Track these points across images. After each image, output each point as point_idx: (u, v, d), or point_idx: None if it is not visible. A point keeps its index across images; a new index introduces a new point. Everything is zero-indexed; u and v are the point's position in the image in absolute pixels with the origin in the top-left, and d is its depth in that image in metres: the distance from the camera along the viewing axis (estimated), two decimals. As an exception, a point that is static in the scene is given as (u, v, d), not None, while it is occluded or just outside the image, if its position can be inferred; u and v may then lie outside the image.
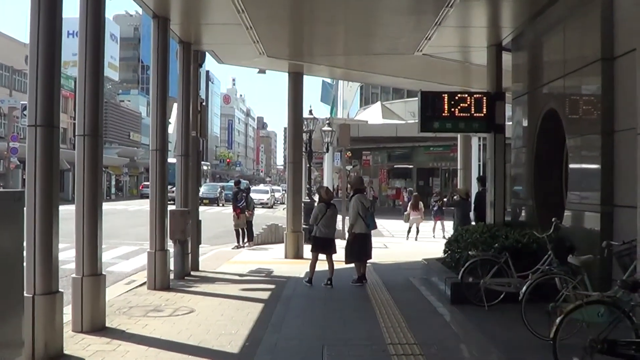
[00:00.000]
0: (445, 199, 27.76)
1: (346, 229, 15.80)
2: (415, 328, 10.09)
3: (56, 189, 8.45)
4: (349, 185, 18.31)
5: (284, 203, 56.36)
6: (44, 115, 8.31)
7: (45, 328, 8.17)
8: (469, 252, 12.27)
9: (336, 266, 14.70)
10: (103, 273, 9.94)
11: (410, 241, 26.42)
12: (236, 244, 22.87)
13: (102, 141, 9.96)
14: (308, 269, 14.73)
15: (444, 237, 25.25)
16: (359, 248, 14.74)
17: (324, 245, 14.55)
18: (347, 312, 11.54)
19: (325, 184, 37.03)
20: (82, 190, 9.68)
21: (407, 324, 10.32)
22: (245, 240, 23.21)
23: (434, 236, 26.80)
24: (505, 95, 15.17)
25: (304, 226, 20.16)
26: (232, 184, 26.79)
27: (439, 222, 27.83)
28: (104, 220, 10.23)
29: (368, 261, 15.22)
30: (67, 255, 17.56)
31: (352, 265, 15.00)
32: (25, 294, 7.32)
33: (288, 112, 20.10)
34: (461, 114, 14.65)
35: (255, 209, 25.75)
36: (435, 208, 28.20)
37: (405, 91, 54.63)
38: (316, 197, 24.15)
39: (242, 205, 23.39)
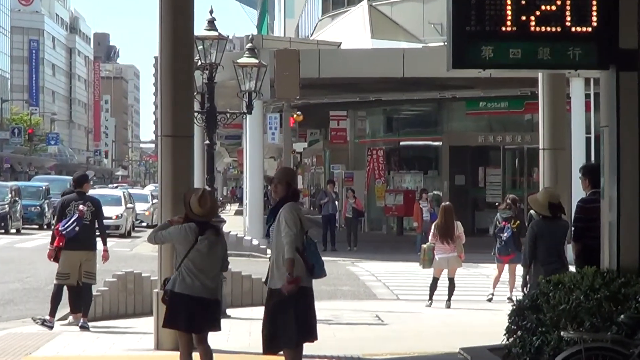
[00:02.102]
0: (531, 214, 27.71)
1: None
2: None
3: None
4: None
5: (153, 225, 56.38)
6: None
7: None
8: (563, 334, 12.32)
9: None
10: None
11: (435, 308, 26.51)
12: (47, 316, 22.74)
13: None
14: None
15: (509, 299, 25.30)
16: (289, 318, 15.14)
17: (190, 314, 14.97)
18: None
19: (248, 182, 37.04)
20: None
21: None
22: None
23: (510, 298, 26.79)
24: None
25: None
26: (42, 187, 26.55)
27: (510, 267, 27.93)
28: None
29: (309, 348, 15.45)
30: None
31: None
32: None
33: (160, 25, 20.00)
34: (544, 28, 14.71)
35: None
36: (507, 235, 28.18)
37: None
38: (230, 208, 24.07)
39: (71, 228, 23.21)
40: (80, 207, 22.89)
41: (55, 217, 23.85)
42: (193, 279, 14.68)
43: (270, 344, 15.25)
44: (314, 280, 15.23)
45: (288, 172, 16.78)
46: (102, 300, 24.46)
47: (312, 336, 15.44)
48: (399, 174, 55.86)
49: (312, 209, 67.11)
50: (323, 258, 15.18)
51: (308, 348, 18.63)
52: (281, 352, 15.41)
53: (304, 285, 14.98)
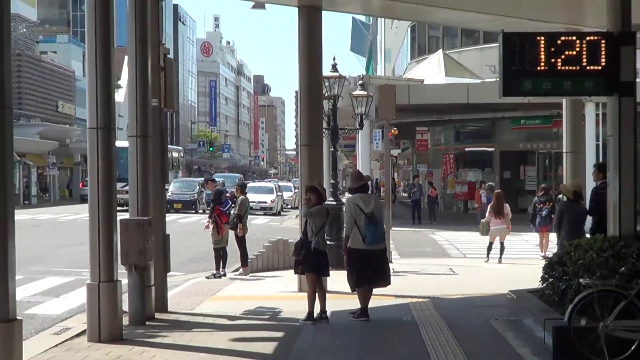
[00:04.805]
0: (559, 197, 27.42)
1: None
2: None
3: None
4: (395, 180, 18.41)
5: (296, 207, 56.52)
6: None
7: None
8: (581, 281, 12.19)
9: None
10: (18, 318, 9.92)
11: (490, 263, 26.34)
12: (214, 271, 22.80)
13: (11, 115, 9.93)
14: (336, 307, 14.82)
15: (543, 257, 25.09)
16: (359, 270, 15.56)
17: (324, 263, 15.79)
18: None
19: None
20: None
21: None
22: (222, 267, 23.22)
23: (543, 256, 26.51)
24: (637, 37, 15.02)
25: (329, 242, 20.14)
26: (218, 181, 26.75)
27: (545, 235, 27.66)
28: (20, 237, 10.22)
29: (419, 295, 15.43)
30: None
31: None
32: None
33: (300, 69, 20.01)
34: (567, 67, 14.52)
35: (253, 216, 25.71)
36: (544, 214, 27.86)
37: (481, 34, 54.52)
38: (344, 197, 24.09)
39: (228, 210, 23.43)
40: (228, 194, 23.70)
41: (211, 203, 24.33)
42: (325, 241, 15.36)
43: (353, 286, 15.76)
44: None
45: (353, 175, 17.50)
46: (262, 258, 24.57)
47: (385, 281, 15.99)
48: (464, 170, 55.54)
49: (405, 195, 66.78)
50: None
51: (402, 289, 18.62)
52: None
53: (364, 248, 15.45)
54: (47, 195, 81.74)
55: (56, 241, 33.83)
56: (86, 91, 14.28)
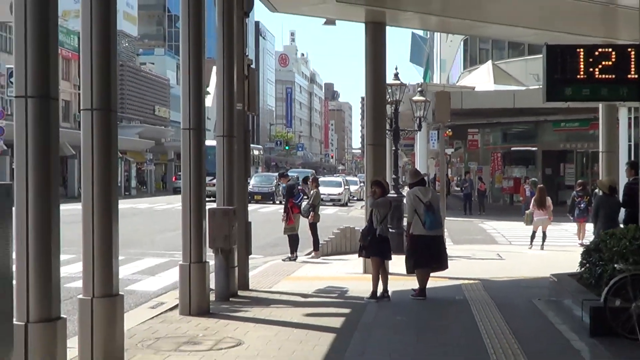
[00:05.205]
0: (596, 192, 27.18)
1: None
2: (542, 369, 9.95)
3: (56, 182, 8.52)
4: (448, 176, 18.59)
5: (361, 199, 56.51)
6: (37, 83, 8.34)
7: (43, 366, 8.25)
8: (616, 266, 12.09)
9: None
10: (120, 293, 10.02)
11: (533, 250, 26.14)
12: (289, 255, 22.85)
13: (116, 118, 10.02)
14: (396, 287, 14.80)
15: (581, 244, 24.84)
16: (420, 254, 15.67)
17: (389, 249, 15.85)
18: (447, 347, 11.47)
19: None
20: (91, 184, 9.76)
21: (530, 364, 10.18)
22: (293, 251, 23.26)
23: (581, 244, 26.28)
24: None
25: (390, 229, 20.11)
26: (291, 176, 26.85)
27: (583, 225, 27.41)
28: (122, 224, 10.31)
29: (467, 278, 15.36)
30: (72, 269, 17.84)
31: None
32: (15, 322, 7.40)
33: (366, 78, 20.02)
34: (603, 76, 14.35)
35: (323, 207, 25.77)
36: (582, 206, 27.62)
37: (526, 46, 53.99)
38: (404, 190, 24.04)
39: (299, 202, 23.58)
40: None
41: (285, 195, 24.79)
42: (387, 229, 15.55)
43: (410, 269, 15.91)
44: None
45: (411, 173, 17.92)
46: (331, 244, 24.59)
47: (442, 266, 16.10)
48: (511, 167, 55.17)
49: (457, 188, 66.46)
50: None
51: (455, 272, 18.53)
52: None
53: (425, 234, 15.59)
54: (145, 187, 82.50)
55: (153, 227, 34.14)
56: (180, 97, 14.44)
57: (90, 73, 9.73)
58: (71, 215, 17.27)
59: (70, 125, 63.64)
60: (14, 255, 7.40)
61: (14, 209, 7.49)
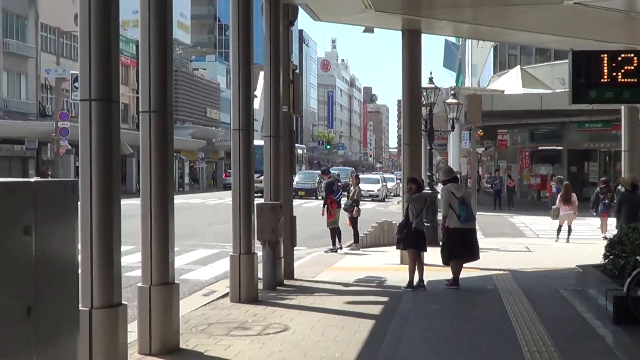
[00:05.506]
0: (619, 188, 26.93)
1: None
2: (569, 354, 9.90)
3: (117, 179, 8.61)
4: (479, 173, 18.61)
5: (398, 195, 56.47)
6: (100, 87, 8.44)
7: (104, 349, 8.33)
8: (638, 258, 12.00)
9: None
10: (176, 282, 10.08)
11: (560, 243, 25.97)
12: (331, 247, 22.85)
13: (172, 119, 10.09)
14: (431, 277, 14.78)
15: (604, 237, 24.65)
16: (454, 246, 15.62)
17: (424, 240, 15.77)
18: (479, 332, 11.44)
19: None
20: (149, 180, 9.84)
21: (556, 349, 10.12)
22: (339, 243, 23.25)
23: (604, 237, 26.07)
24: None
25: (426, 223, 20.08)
26: (332, 173, 26.83)
27: (605, 220, 27.18)
28: (177, 217, 10.37)
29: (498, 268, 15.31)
30: (131, 259, 17.98)
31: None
32: (80, 307, 7.47)
33: (402, 81, 19.99)
34: (626, 80, 14.23)
35: (362, 202, 25.78)
36: (605, 202, 27.37)
37: (552, 52, 53.57)
38: (438, 187, 23.97)
39: (339, 198, 23.70)
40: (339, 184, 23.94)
41: (325, 191, 24.75)
42: (423, 223, 15.64)
43: (446, 260, 15.83)
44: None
45: (445, 170, 17.81)
46: (371, 237, 24.57)
47: (474, 257, 16.03)
48: (538, 165, 54.76)
49: (488, 185, 66.09)
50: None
51: (486, 264, 18.44)
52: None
53: (459, 227, 15.50)
54: (197, 184, 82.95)
55: (205, 220, 34.27)
56: (230, 100, 14.49)
57: (149, 78, 9.83)
58: (130, 209, 17.38)
59: (129, 126, 64.05)
60: (79, 247, 7.49)
61: (79, 204, 7.55)
